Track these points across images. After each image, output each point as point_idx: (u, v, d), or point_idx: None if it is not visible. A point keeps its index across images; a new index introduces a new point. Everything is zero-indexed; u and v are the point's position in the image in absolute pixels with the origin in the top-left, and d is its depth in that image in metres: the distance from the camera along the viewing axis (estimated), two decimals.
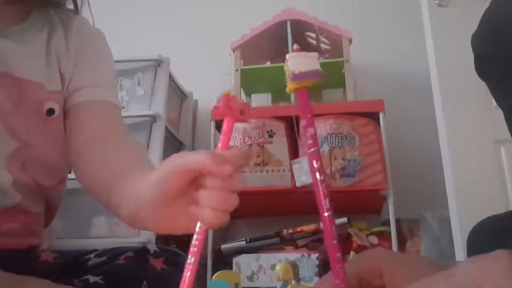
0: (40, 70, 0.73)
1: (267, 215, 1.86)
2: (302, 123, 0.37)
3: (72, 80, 0.77)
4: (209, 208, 0.43)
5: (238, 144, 1.62)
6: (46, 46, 0.76)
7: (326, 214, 0.34)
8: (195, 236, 0.42)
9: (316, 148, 0.36)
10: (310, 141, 0.36)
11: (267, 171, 1.55)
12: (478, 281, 0.25)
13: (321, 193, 0.34)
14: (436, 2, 1.71)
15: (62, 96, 0.76)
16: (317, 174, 0.35)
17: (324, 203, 0.34)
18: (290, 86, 0.36)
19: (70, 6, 0.83)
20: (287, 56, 0.36)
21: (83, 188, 0.71)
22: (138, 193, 0.52)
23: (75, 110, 0.76)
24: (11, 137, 0.69)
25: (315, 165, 0.35)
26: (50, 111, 0.74)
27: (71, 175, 0.79)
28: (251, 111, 0.42)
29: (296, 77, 0.35)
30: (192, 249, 0.40)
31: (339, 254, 0.34)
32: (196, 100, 2.17)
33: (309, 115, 0.36)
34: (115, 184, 0.60)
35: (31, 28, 0.76)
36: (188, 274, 0.39)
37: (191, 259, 0.39)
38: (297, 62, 0.35)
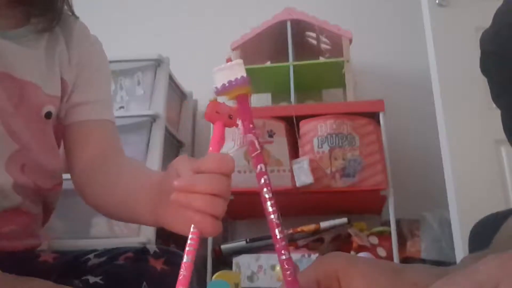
0: (39, 73, 0.73)
1: None
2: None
3: (73, 92, 0.78)
4: (193, 211, 0.44)
5: (238, 144, 1.61)
6: (46, 50, 0.75)
7: (271, 217, 0.34)
8: (190, 236, 0.42)
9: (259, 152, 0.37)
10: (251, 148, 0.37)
11: None
12: (497, 280, 0.25)
13: (266, 196, 0.35)
14: (437, 2, 1.71)
15: (59, 101, 0.76)
16: (262, 179, 0.36)
17: (269, 207, 0.34)
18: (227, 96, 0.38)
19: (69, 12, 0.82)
20: (214, 70, 0.39)
21: (93, 207, 0.73)
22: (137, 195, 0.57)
23: (76, 128, 0.78)
24: (11, 138, 0.69)
25: (260, 169, 0.37)
26: (48, 114, 0.74)
27: (69, 176, 0.79)
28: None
29: (219, 91, 0.38)
30: (188, 248, 0.40)
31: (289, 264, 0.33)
32: (196, 100, 2.17)
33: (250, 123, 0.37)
34: (127, 202, 0.65)
35: (32, 31, 0.75)
36: (185, 273, 0.38)
37: (187, 258, 0.39)
38: (220, 76, 0.39)
